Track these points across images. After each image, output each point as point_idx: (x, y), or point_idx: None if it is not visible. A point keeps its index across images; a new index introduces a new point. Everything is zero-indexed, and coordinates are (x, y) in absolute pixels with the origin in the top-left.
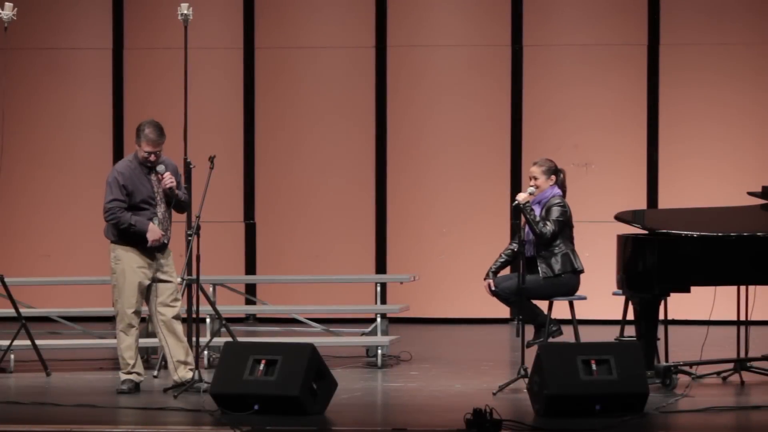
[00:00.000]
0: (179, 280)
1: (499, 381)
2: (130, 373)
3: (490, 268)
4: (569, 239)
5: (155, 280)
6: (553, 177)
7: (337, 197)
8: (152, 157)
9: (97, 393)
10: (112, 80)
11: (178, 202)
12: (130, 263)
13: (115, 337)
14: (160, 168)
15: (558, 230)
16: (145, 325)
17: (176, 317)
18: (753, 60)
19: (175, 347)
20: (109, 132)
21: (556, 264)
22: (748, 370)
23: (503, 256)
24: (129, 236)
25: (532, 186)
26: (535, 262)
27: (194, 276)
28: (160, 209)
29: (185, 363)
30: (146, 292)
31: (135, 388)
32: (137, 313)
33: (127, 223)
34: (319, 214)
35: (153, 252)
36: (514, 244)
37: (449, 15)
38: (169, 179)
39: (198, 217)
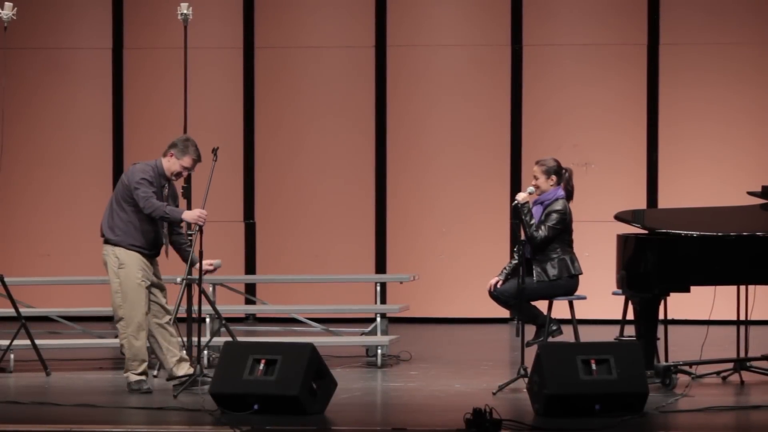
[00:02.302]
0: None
1: (499, 381)
2: (143, 373)
3: (504, 269)
4: (568, 244)
5: (152, 284)
6: (554, 177)
7: (337, 197)
8: (185, 173)
9: (96, 393)
10: (112, 80)
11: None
12: (134, 266)
13: (116, 337)
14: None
15: (552, 237)
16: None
17: (170, 321)
18: (753, 60)
19: (172, 347)
20: (109, 132)
21: (552, 269)
22: (748, 370)
23: (515, 257)
24: (134, 238)
25: (532, 186)
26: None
27: (194, 275)
28: (166, 223)
29: (185, 359)
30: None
31: (148, 388)
32: (144, 316)
33: (162, 212)
34: (319, 214)
35: (149, 257)
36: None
37: (449, 14)
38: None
39: (191, 235)
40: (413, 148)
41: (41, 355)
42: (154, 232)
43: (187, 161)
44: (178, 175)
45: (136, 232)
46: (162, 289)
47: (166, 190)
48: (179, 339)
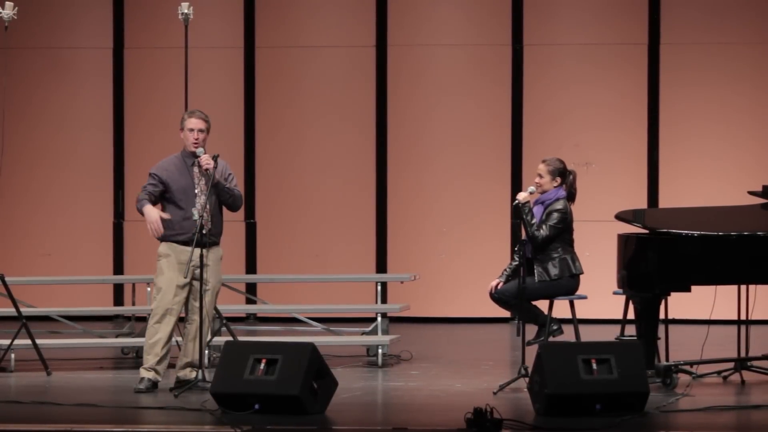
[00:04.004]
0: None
1: (500, 380)
2: (149, 369)
3: (504, 270)
4: (569, 244)
5: (194, 278)
6: (559, 179)
7: (337, 196)
8: (197, 135)
9: (97, 392)
10: (112, 79)
11: (225, 194)
12: (170, 259)
13: (116, 337)
14: (199, 150)
15: (553, 236)
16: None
17: (207, 321)
18: (753, 59)
19: (191, 349)
20: (110, 131)
21: (554, 269)
22: (749, 370)
23: (516, 258)
24: (171, 230)
25: (533, 185)
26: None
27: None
28: (200, 201)
29: (191, 365)
30: (187, 290)
31: (153, 386)
32: (174, 309)
33: (138, 207)
34: (319, 214)
35: (196, 248)
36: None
37: (450, 14)
38: (206, 161)
39: (201, 216)
40: (413, 147)
41: (42, 355)
42: (186, 219)
43: (190, 124)
44: (196, 142)
45: (170, 224)
46: (207, 285)
47: (196, 168)
48: (200, 341)
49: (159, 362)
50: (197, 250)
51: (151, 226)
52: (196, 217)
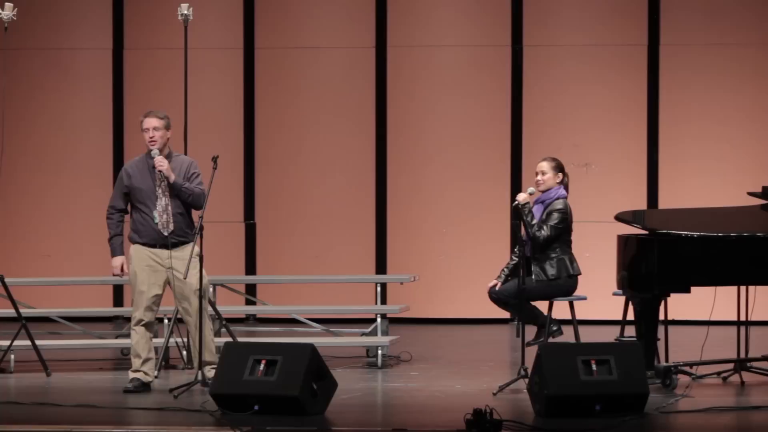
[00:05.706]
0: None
1: (500, 381)
2: (136, 371)
3: (503, 270)
4: (567, 244)
5: (169, 280)
6: (560, 174)
7: (337, 197)
8: (152, 133)
9: (97, 393)
10: (112, 80)
11: (183, 193)
12: (139, 262)
13: (116, 338)
14: (154, 152)
15: (554, 236)
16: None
17: (198, 314)
18: (753, 60)
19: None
20: (109, 132)
21: (551, 269)
22: (749, 371)
23: (513, 258)
24: (137, 233)
25: (532, 186)
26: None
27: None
28: (161, 203)
29: (210, 363)
30: (159, 291)
31: (141, 386)
32: (148, 311)
33: (108, 236)
34: (319, 214)
35: (163, 249)
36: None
37: (449, 15)
38: (159, 162)
39: (201, 217)
40: (413, 148)
41: (41, 356)
42: (148, 222)
43: (144, 124)
44: (152, 141)
45: (135, 226)
46: (183, 283)
47: (156, 169)
48: (199, 341)
49: (143, 364)
50: (167, 251)
51: (113, 269)
52: (156, 219)
